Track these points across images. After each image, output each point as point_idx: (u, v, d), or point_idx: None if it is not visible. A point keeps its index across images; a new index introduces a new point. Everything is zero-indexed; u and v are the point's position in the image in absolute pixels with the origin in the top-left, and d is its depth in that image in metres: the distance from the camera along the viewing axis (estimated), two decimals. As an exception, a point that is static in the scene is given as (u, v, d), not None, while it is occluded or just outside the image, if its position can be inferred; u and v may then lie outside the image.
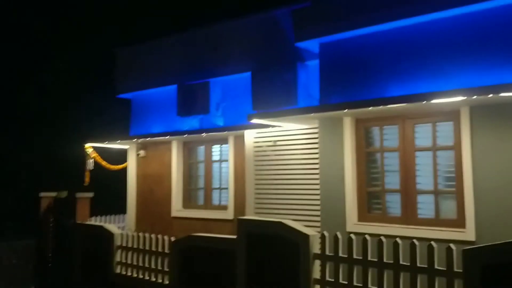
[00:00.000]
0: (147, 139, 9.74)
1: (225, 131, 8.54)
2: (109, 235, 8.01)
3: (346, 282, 4.92)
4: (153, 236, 7.37)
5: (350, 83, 6.48)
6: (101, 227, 8.39)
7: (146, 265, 7.38)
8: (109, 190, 13.07)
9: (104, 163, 11.02)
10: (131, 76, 10.93)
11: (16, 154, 17.05)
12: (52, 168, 16.15)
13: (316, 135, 7.28)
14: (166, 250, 7.10)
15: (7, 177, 16.75)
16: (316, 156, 7.24)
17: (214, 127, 9.00)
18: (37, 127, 17.83)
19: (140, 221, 10.45)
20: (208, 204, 9.60)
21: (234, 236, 6.15)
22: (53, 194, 10.59)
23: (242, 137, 8.79)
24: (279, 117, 6.60)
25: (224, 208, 9.12)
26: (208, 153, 9.74)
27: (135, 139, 9.93)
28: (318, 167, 7.09)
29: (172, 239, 7.04)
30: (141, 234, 7.57)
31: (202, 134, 8.81)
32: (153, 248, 7.31)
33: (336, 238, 5.07)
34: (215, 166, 9.66)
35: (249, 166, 8.35)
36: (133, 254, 7.64)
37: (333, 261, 5.04)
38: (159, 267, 7.17)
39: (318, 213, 6.99)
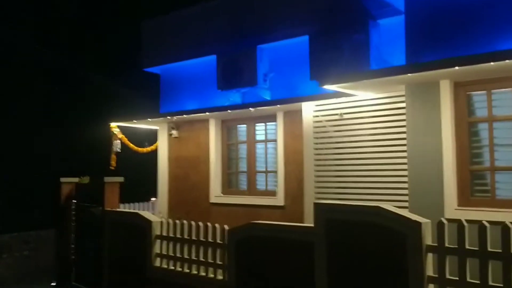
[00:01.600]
0: (183, 116, 8.63)
1: (277, 104, 7.39)
2: (146, 223, 6.97)
3: (477, 282, 3.82)
4: (201, 224, 6.31)
5: (447, 38, 5.31)
6: (136, 214, 7.34)
7: (194, 257, 6.33)
8: (134, 175, 11.98)
9: (131, 145, 9.94)
10: (161, 48, 9.80)
11: (32, 136, 15.89)
12: (73, 152, 15.03)
13: (396, 105, 6.14)
14: (218, 240, 6.04)
15: (22, 162, 15.60)
16: (398, 130, 6.10)
17: (260, 101, 7.86)
18: (56, 107, 16.62)
19: (174, 208, 9.40)
20: (252, 190, 8.50)
21: (310, 225, 5.08)
22: (75, 179, 9.57)
23: (294, 112, 7.66)
24: (364, 79, 5.41)
25: (272, 193, 8.03)
26: (251, 132, 8.62)
27: (168, 117, 8.83)
28: (401, 143, 5.96)
29: (226, 227, 5.97)
30: (185, 222, 6.52)
31: (249, 109, 7.67)
32: (202, 238, 6.26)
33: (461, 226, 3.96)
34: (259, 146, 8.55)
35: (307, 145, 7.21)
36: (176, 245, 6.60)
37: (458, 255, 3.94)
38: (210, 260, 6.11)
39: (402, 198, 5.86)
